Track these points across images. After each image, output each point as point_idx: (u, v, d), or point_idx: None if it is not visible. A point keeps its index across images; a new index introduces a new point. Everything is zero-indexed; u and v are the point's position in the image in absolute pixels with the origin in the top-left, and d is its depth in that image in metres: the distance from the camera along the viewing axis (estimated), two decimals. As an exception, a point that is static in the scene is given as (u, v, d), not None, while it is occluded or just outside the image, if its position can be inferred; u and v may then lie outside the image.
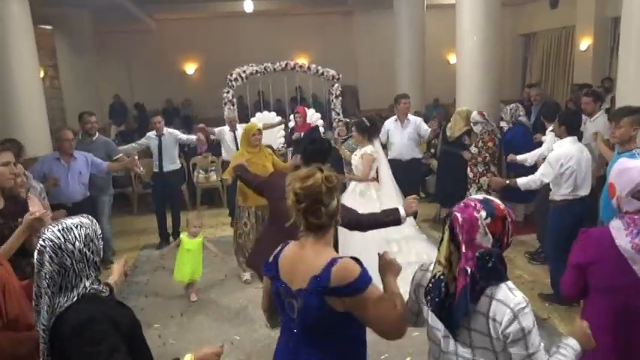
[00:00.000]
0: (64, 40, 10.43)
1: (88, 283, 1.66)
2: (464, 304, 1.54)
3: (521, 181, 4.05)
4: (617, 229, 1.95)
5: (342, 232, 4.42)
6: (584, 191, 3.95)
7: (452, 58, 11.65)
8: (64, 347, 1.58)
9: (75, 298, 1.62)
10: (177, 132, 6.33)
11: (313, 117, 8.44)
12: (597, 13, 9.93)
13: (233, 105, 8.04)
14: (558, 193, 3.99)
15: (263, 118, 8.38)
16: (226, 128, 6.64)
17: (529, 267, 4.99)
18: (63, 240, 1.63)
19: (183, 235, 4.42)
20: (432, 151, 7.41)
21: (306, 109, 8.16)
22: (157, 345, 3.76)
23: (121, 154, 5.58)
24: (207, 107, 11.83)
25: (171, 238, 6.16)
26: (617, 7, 4.79)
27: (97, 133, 5.64)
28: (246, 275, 4.89)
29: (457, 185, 5.76)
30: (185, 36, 12.83)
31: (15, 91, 6.02)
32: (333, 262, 1.65)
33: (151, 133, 6.10)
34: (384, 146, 6.50)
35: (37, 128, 6.12)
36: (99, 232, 1.76)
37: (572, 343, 1.66)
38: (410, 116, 6.25)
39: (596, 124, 5.00)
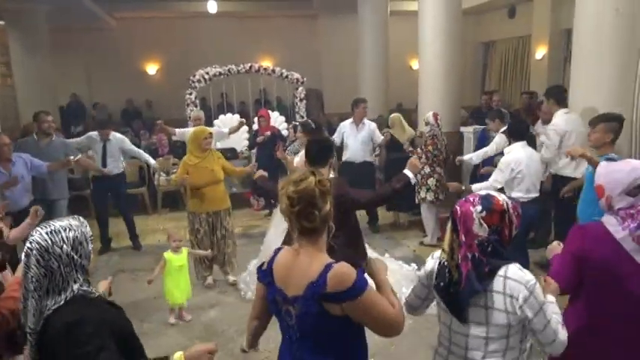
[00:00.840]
0: (18, 36, 10.01)
1: (76, 287, 1.63)
2: (470, 286, 1.74)
3: (476, 187, 4.18)
4: (612, 225, 2.04)
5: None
6: (535, 192, 4.17)
7: (415, 64, 11.86)
8: (52, 349, 1.56)
9: (62, 302, 1.60)
10: (127, 142, 6.04)
11: (277, 120, 8.43)
12: (552, 24, 10.32)
13: (196, 106, 7.93)
14: (511, 196, 4.11)
15: (226, 120, 8.31)
16: (190, 129, 6.51)
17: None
18: (50, 243, 1.60)
19: (167, 254, 4.11)
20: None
21: (270, 112, 8.15)
22: (114, 352, 3.67)
23: (80, 156, 5.37)
24: (170, 108, 11.61)
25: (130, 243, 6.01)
26: (570, 19, 5.00)
27: (54, 134, 5.43)
28: (209, 279, 4.84)
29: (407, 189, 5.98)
30: (146, 35, 12.57)
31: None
32: (328, 267, 1.66)
33: (94, 134, 5.81)
34: (340, 147, 6.59)
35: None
36: (89, 234, 1.72)
37: (551, 298, 1.91)
38: (366, 120, 6.37)
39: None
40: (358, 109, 6.30)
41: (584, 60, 4.68)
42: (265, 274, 1.80)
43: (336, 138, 6.43)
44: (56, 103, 10.70)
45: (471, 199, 1.83)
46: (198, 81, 7.87)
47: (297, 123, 7.13)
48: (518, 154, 4.10)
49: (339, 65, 12.27)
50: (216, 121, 8.34)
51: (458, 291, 1.77)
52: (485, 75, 13.96)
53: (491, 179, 4.18)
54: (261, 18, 13.08)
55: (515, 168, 4.03)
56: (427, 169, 5.65)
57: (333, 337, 1.71)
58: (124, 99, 12.71)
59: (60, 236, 1.62)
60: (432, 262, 1.94)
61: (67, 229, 1.65)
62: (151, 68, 13.42)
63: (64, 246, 1.61)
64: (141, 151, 6.24)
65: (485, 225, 1.77)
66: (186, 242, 4.75)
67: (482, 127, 7.16)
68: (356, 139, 6.26)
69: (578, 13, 4.74)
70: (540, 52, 10.76)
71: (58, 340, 1.54)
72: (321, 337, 1.71)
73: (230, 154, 7.73)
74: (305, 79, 8.40)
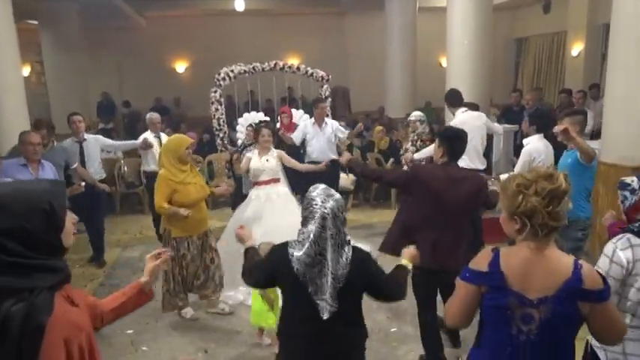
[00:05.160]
0: (50, 35, 10.26)
1: (348, 239, 2.12)
2: None
3: (503, 177, 4.19)
4: None
5: (273, 219, 4.52)
6: None
7: (444, 61, 11.60)
8: (355, 279, 2.07)
9: (350, 251, 2.09)
10: (101, 138, 5.70)
11: (302, 118, 8.34)
12: (589, 19, 9.91)
13: (221, 105, 7.91)
14: None
15: (251, 118, 8.27)
16: (149, 135, 6.03)
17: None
18: (338, 209, 2.06)
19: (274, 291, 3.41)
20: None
21: (295, 110, 8.07)
22: (128, 352, 3.66)
23: (77, 164, 5.13)
24: (198, 106, 11.71)
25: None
26: (608, 13, 4.74)
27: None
28: (190, 311, 4.22)
29: None
30: (176, 34, 12.69)
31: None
32: (577, 264, 1.64)
33: (69, 140, 5.33)
34: (301, 147, 6.50)
35: (18, 125, 5.95)
36: None
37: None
38: (327, 120, 6.35)
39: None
40: (317, 109, 6.26)
41: (621, 56, 4.43)
42: (492, 277, 1.67)
43: (295, 137, 6.31)
44: (87, 101, 10.91)
45: None
46: (223, 79, 7.84)
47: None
48: (537, 143, 4.22)
49: (367, 63, 12.13)
50: (240, 120, 8.32)
51: None
52: (518, 73, 13.56)
53: (516, 170, 4.25)
54: (289, 15, 13.03)
55: (536, 157, 4.11)
56: None
57: (568, 340, 1.69)
58: (154, 97, 12.86)
59: (340, 203, 2.10)
60: (627, 253, 1.95)
61: (339, 197, 2.12)
62: (180, 66, 13.56)
63: (343, 211, 2.10)
64: (121, 142, 6.06)
65: None
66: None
67: (513, 126, 6.95)
68: (320, 139, 6.18)
69: (615, 9, 4.48)
70: (576, 48, 10.35)
71: (363, 269, 2.10)
72: (562, 340, 1.67)
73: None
74: (330, 76, 8.27)
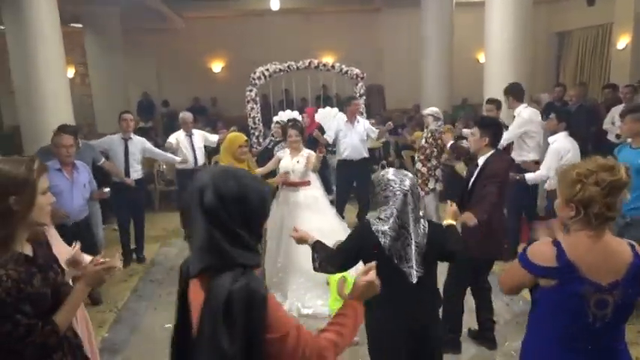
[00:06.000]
0: (93, 38, 10.62)
1: (422, 213, 2.41)
2: None
3: (529, 177, 4.33)
4: None
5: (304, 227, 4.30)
6: None
7: (481, 57, 11.35)
8: (435, 246, 2.34)
9: (427, 222, 2.38)
10: (147, 142, 5.76)
11: (337, 116, 8.32)
12: (636, 10, 9.49)
13: (256, 104, 7.99)
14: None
15: (285, 116, 8.32)
16: (181, 133, 6.26)
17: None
18: (413, 185, 2.34)
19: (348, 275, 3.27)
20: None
21: (330, 108, 8.08)
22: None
23: (103, 160, 5.20)
24: (234, 105, 11.87)
25: (134, 256, 5.64)
26: (657, 3, 4.52)
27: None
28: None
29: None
30: (212, 34, 12.90)
31: (42, 90, 6.12)
32: (632, 245, 1.74)
33: (116, 136, 5.45)
34: (333, 146, 6.57)
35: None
36: None
37: None
38: (359, 118, 6.40)
39: None
40: (350, 106, 6.29)
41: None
42: (561, 269, 1.69)
43: (329, 136, 6.37)
44: (128, 101, 11.23)
45: None
46: (259, 78, 7.91)
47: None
48: (564, 141, 4.23)
49: (402, 60, 12.01)
50: (275, 118, 8.38)
51: None
52: (560, 68, 13.13)
53: (543, 169, 4.24)
54: (323, 13, 13.04)
55: (564, 155, 4.11)
56: (434, 162, 5.74)
57: (626, 318, 1.77)
58: (192, 96, 13.12)
59: (414, 180, 2.38)
60: None
61: (412, 176, 2.39)
62: (216, 66, 13.77)
63: (417, 187, 2.42)
64: (162, 152, 6.05)
65: None
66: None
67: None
68: (353, 137, 6.18)
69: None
70: (623, 41, 9.94)
71: (437, 242, 2.36)
72: (625, 318, 1.76)
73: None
74: (365, 74, 8.23)
